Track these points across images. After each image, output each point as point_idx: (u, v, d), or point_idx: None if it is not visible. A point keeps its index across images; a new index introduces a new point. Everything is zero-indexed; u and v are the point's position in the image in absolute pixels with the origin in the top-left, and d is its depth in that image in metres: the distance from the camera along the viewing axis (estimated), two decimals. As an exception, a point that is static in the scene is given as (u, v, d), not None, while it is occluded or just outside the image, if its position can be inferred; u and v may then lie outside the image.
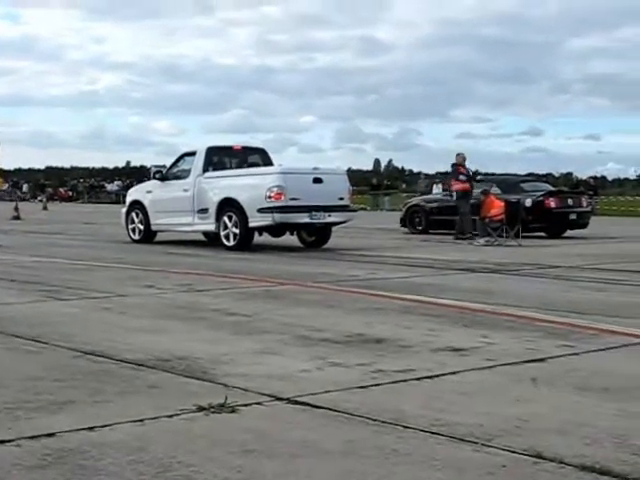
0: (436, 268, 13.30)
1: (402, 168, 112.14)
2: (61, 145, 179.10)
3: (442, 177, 55.23)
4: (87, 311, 8.37)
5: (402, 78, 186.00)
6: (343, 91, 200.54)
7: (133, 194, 20.14)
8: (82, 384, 5.18)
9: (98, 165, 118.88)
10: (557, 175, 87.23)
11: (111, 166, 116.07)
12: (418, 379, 5.43)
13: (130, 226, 19.46)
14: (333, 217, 17.29)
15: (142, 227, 19.13)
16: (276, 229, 17.17)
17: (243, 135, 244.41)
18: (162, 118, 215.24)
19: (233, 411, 4.58)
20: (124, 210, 19.90)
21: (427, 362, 5.95)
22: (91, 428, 4.22)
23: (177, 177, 18.68)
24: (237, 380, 5.29)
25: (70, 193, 71.98)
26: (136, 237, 19.19)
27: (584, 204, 23.76)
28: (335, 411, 4.60)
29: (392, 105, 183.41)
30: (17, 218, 31.77)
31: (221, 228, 17.09)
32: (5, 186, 66.84)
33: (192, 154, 18.56)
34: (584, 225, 23.16)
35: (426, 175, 53.84)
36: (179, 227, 18.53)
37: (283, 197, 16.33)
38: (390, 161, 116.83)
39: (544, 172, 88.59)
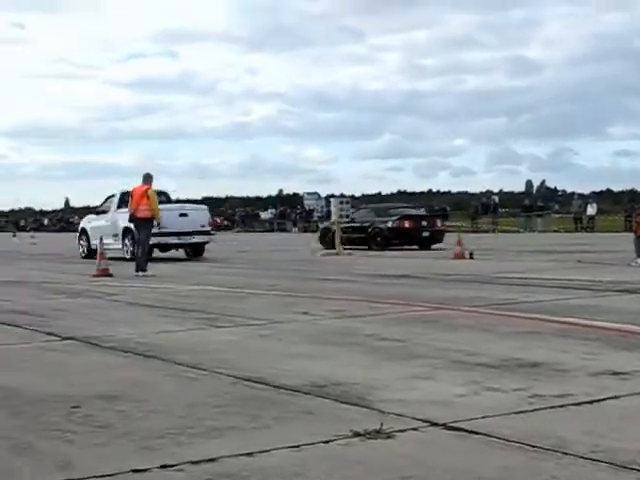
0: (592, 290, 12.97)
1: (555, 188, 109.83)
2: (217, 176, 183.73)
3: (596, 197, 53.90)
4: (245, 338, 8.55)
5: (555, 97, 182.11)
6: (494, 112, 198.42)
7: (81, 224, 28.16)
8: (241, 410, 5.30)
9: (252, 194, 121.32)
10: None
11: (264, 195, 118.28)
12: (577, 404, 5.31)
13: (79, 247, 27.41)
14: (196, 239, 25.01)
15: (86, 247, 26.78)
16: (158, 247, 24.34)
17: (394, 160, 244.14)
18: (313, 146, 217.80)
19: (389, 437, 4.59)
20: (77, 235, 27.98)
21: (586, 386, 5.81)
22: (250, 454, 4.31)
23: (104, 212, 26.63)
24: (392, 405, 5.30)
25: (226, 222, 73.68)
26: (83, 254, 26.82)
27: (438, 224, 31.29)
28: (491, 437, 4.54)
29: (545, 124, 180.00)
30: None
31: (124, 247, 24.37)
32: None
33: (113, 196, 26.18)
34: (439, 240, 29.68)
35: (580, 195, 52.51)
36: (106, 247, 22.30)
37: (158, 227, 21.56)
38: (543, 182, 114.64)
39: None
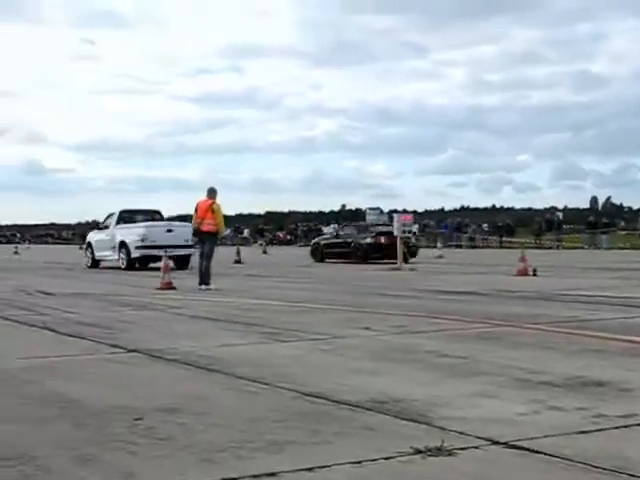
0: (660, 308, 12.75)
1: (621, 205, 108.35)
2: (280, 190, 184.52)
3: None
4: (306, 352, 8.57)
5: (620, 112, 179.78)
6: (559, 128, 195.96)
7: (87, 237, 32.85)
8: (301, 425, 5.30)
9: (315, 209, 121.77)
10: None
11: (327, 210, 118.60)
12: (642, 425, 5.22)
13: (85, 258, 32.10)
14: (181, 252, 28.23)
15: (91, 258, 31.36)
16: (145, 259, 28.58)
17: (458, 176, 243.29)
18: (377, 161, 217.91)
19: (450, 454, 4.56)
20: (84, 247, 33.27)
21: (652, 407, 5.72)
22: (310, 469, 4.32)
23: (105, 227, 31.05)
24: (454, 423, 5.27)
25: (289, 237, 73.95)
26: (89, 265, 31.25)
27: (412, 240, 34.69)
28: (554, 457, 4.49)
29: (610, 140, 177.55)
30: (238, 262, 32.95)
31: (120, 258, 29.05)
32: (227, 231, 69.47)
33: (112, 214, 31.00)
34: (413, 255, 32.68)
35: (646, 212, 51.89)
36: (106, 258, 30.36)
37: (145, 241, 28.05)
38: (609, 198, 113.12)
39: None
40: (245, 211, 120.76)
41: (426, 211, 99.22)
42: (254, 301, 14.78)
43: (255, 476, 4.20)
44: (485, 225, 65.32)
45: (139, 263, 28.71)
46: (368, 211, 77.03)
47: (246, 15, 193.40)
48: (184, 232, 27.75)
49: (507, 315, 11.76)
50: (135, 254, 28.46)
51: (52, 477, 4.24)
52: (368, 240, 33.36)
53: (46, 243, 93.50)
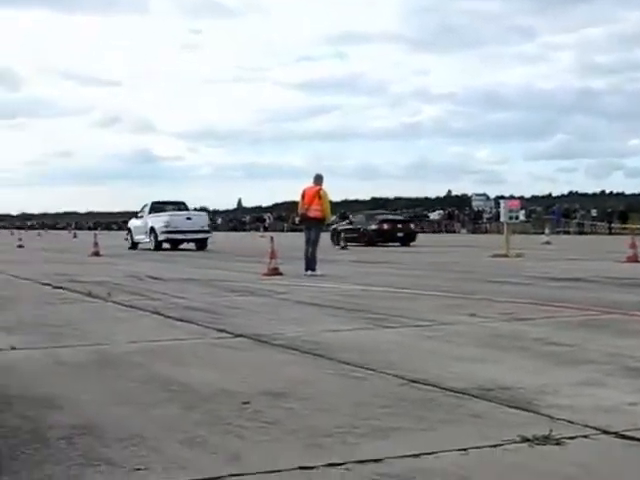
0: None
1: None
2: (385, 176, 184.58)
3: None
4: (411, 339, 8.55)
5: None
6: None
7: (128, 224, 39.21)
8: (407, 411, 5.30)
9: (420, 195, 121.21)
10: None
11: (432, 196, 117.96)
12: None
13: (127, 241, 37.67)
14: (199, 235, 34.40)
15: (131, 241, 37.05)
16: (170, 242, 34.54)
17: (566, 161, 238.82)
18: (483, 147, 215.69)
19: (558, 443, 4.49)
20: (126, 232, 39.31)
21: None
22: (416, 455, 4.31)
23: (141, 216, 36.73)
24: (561, 412, 5.19)
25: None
26: (129, 247, 36.56)
27: (411, 227, 41.28)
28: (667, 448, 4.39)
29: None
30: (344, 248, 33.14)
31: (150, 240, 34.54)
32: (333, 217, 69.70)
33: (146, 205, 36.46)
34: (412, 239, 38.66)
35: None
36: (141, 241, 35.71)
37: (169, 227, 33.95)
38: None
39: None
40: (350, 197, 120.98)
41: (533, 197, 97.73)
42: (358, 287, 14.80)
43: (361, 462, 4.22)
44: (594, 211, 64.01)
45: (166, 244, 34.60)
46: (474, 197, 76.42)
47: (349, 1, 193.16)
48: (201, 220, 35.47)
49: (615, 303, 11.51)
50: (161, 237, 34.27)
51: (162, 458, 4.33)
52: (373, 227, 38.46)
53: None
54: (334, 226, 40.75)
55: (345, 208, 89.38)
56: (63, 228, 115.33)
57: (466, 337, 8.58)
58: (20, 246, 39.98)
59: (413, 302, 12.17)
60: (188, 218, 34.57)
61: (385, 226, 38.37)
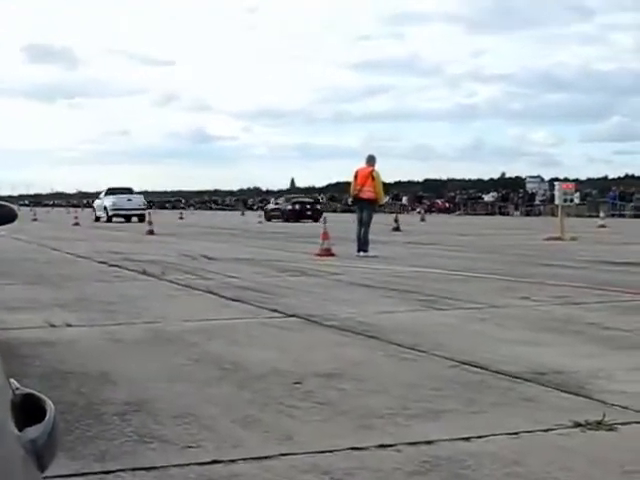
0: None
1: None
2: (439, 158, 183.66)
3: None
4: (463, 321, 8.53)
5: None
6: None
7: (94, 204, 51.84)
8: (458, 393, 5.30)
9: (474, 177, 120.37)
10: None
11: (486, 177, 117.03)
12: None
13: (92, 216, 48.42)
14: (137, 212, 45.26)
15: (93, 217, 47.87)
16: (119, 216, 45.49)
17: (623, 143, 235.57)
18: (540, 128, 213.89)
19: (611, 429, 4.46)
20: (92, 210, 51.48)
21: None
22: (467, 438, 4.31)
23: (100, 198, 48.62)
24: (615, 397, 5.15)
25: (447, 205, 73.41)
26: (94, 220, 46.73)
27: (317, 207, 49.95)
28: None
29: None
30: (397, 229, 33.00)
31: (106, 216, 46.12)
32: (386, 199, 69.60)
33: (104, 190, 48.53)
34: (318, 217, 39.00)
35: None
36: (100, 216, 46.89)
37: (114, 205, 46.22)
38: None
39: None
40: (404, 178, 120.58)
41: (588, 179, 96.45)
42: (411, 269, 14.77)
43: (411, 443, 4.23)
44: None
45: (114, 219, 45.55)
46: (528, 179, 75.63)
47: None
48: (139, 200, 47.57)
49: (674, 287, 11.36)
50: (111, 213, 46.05)
51: (214, 436, 4.38)
52: (289, 207, 48.30)
53: (210, 209, 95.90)
54: (265, 207, 51.26)
55: (398, 189, 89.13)
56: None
57: (518, 320, 8.53)
58: (76, 224, 40.47)
59: (465, 284, 12.12)
60: (129, 200, 46.81)
61: (297, 207, 48.38)
